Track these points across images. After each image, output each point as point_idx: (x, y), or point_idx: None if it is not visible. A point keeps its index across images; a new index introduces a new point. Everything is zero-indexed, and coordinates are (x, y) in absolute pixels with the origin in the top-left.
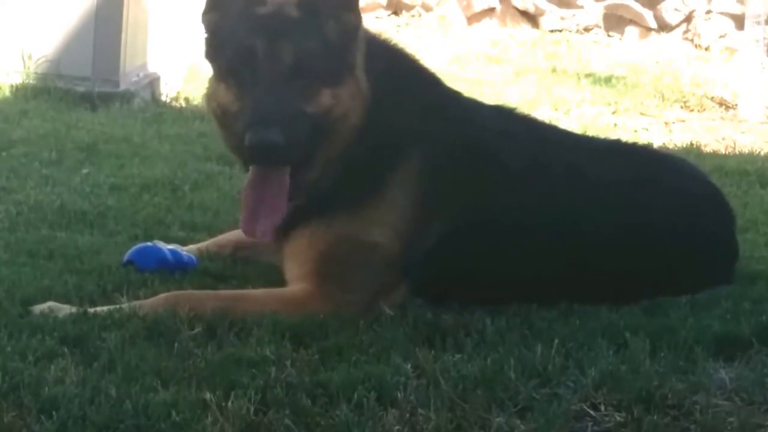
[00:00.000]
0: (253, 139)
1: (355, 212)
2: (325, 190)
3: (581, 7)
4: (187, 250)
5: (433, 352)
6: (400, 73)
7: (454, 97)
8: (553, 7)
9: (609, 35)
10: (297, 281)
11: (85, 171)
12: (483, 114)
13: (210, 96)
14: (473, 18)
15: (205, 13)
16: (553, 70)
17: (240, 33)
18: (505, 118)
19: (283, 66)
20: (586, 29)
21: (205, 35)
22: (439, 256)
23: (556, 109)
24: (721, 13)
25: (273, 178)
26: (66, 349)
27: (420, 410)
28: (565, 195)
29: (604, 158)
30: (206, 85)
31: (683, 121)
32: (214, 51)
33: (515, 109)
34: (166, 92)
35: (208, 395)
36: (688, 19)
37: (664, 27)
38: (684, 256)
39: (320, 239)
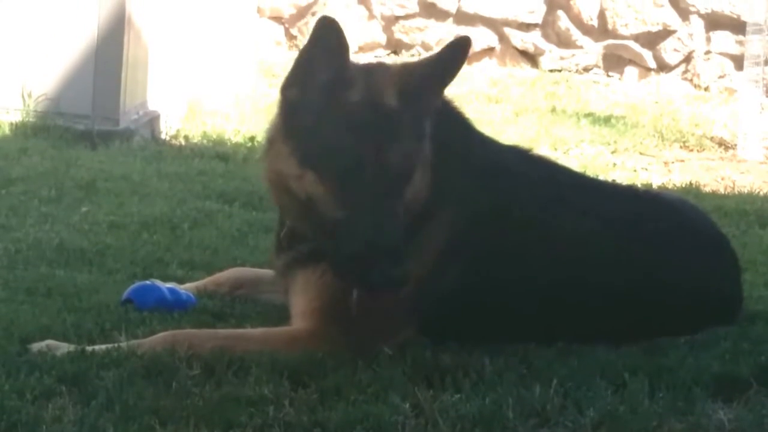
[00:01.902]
0: (379, 278)
1: None
2: None
3: (581, 47)
4: (186, 289)
5: (431, 391)
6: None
7: (485, 144)
8: (553, 47)
9: (608, 75)
10: (301, 318)
11: (84, 209)
12: (511, 167)
13: (276, 169)
14: (473, 57)
15: (286, 88)
16: (553, 110)
17: (337, 126)
18: (530, 170)
19: (390, 174)
20: (586, 69)
21: (283, 109)
22: (451, 300)
23: (555, 149)
24: (721, 54)
25: None
26: (64, 388)
27: None
28: (574, 245)
29: (616, 206)
30: (267, 152)
31: (682, 161)
32: (294, 130)
33: (530, 151)
34: (166, 130)
35: None
36: (688, 59)
37: (663, 67)
38: (690, 305)
39: (334, 279)
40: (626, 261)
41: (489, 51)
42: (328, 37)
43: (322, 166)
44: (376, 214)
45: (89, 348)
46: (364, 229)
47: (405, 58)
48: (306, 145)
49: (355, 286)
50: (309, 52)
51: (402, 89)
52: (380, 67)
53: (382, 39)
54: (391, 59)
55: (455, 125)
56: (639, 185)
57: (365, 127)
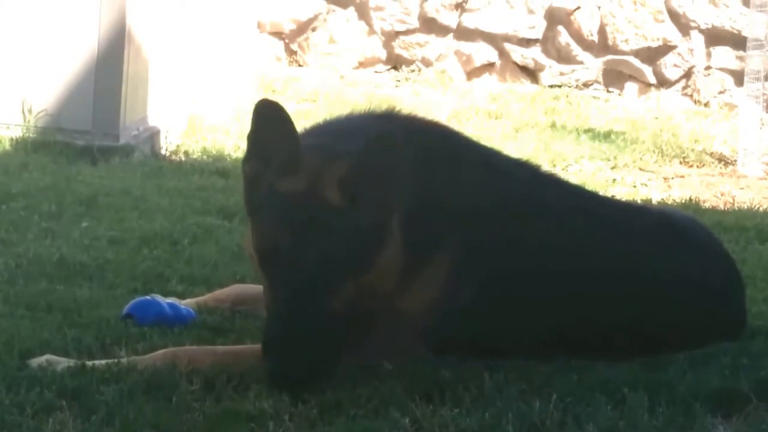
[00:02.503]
0: (273, 371)
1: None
2: None
3: (581, 62)
4: (186, 304)
5: (431, 406)
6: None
7: (484, 161)
8: (553, 63)
9: (608, 91)
10: None
11: (84, 224)
12: (518, 187)
13: (248, 243)
14: (473, 73)
15: (244, 162)
16: (552, 126)
17: (267, 214)
18: (537, 190)
19: (307, 265)
20: (586, 84)
21: (244, 182)
22: (463, 320)
23: (555, 165)
24: (721, 69)
25: None
26: (64, 403)
27: None
28: (585, 262)
29: (626, 225)
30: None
31: (682, 176)
32: (250, 207)
33: (539, 167)
34: (166, 146)
35: None
36: (688, 74)
37: (663, 83)
38: (696, 323)
39: None
40: (636, 279)
41: (489, 66)
42: (269, 121)
43: (257, 253)
44: (284, 310)
45: (89, 363)
46: (271, 321)
47: (405, 73)
48: (254, 226)
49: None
50: (259, 131)
51: (344, 182)
52: (340, 156)
53: (383, 54)
54: (391, 75)
55: (453, 146)
56: (639, 201)
57: (289, 218)
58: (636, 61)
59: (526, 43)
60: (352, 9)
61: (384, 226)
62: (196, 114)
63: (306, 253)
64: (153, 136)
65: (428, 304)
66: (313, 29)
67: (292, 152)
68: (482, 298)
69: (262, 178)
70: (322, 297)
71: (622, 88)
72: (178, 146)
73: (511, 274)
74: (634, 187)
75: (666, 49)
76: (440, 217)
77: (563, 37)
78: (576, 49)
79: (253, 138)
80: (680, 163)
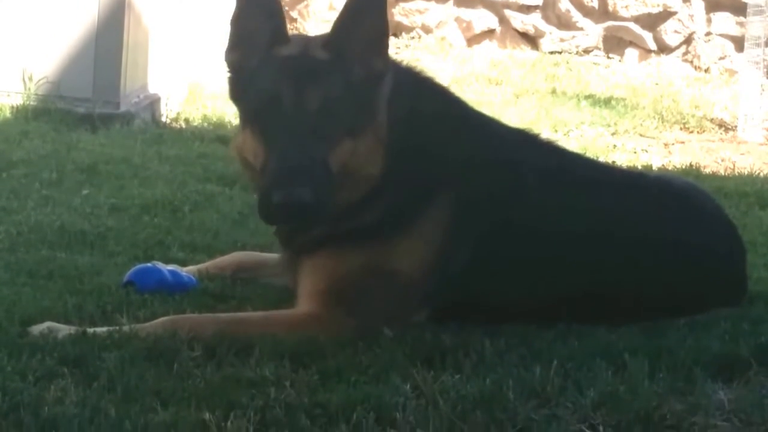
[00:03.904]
0: (282, 199)
1: (383, 242)
2: (356, 218)
3: (581, 29)
4: (187, 271)
5: (432, 372)
6: (427, 107)
7: (483, 123)
8: (553, 29)
9: (609, 57)
10: (306, 300)
11: (85, 192)
12: (511, 144)
13: (236, 144)
14: (473, 39)
15: (228, 52)
16: (553, 92)
17: (265, 75)
18: (535, 152)
19: (308, 114)
20: (586, 51)
21: (228, 75)
22: (463, 282)
23: (556, 131)
24: (721, 35)
25: None
26: (66, 370)
27: (419, 431)
28: (584, 224)
29: (625, 190)
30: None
31: (683, 142)
32: (238, 93)
33: (538, 135)
34: (166, 113)
35: (207, 415)
36: (688, 41)
37: (663, 49)
38: (697, 288)
39: (343, 263)
40: (635, 243)
41: (489, 33)
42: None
43: (254, 116)
44: (290, 147)
45: (90, 330)
46: (278, 160)
47: (405, 40)
48: (245, 103)
49: (266, 220)
50: (244, 15)
51: (329, 43)
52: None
53: None
54: (391, 42)
55: (449, 106)
56: (639, 167)
57: (287, 71)
58: (636, 27)
59: (527, 9)
60: None
61: (371, 95)
62: (196, 81)
63: (306, 101)
64: (153, 103)
65: (425, 267)
66: None
67: (280, 26)
68: (478, 259)
69: (246, 65)
70: (321, 144)
71: (622, 55)
72: (178, 114)
73: (506, 235)
74: (635, 152)
75: (666, 15)
76: (431, 170)
77: (563, 3)
78: (576, 16)
79: (237, 24)
80: (680, 129)
